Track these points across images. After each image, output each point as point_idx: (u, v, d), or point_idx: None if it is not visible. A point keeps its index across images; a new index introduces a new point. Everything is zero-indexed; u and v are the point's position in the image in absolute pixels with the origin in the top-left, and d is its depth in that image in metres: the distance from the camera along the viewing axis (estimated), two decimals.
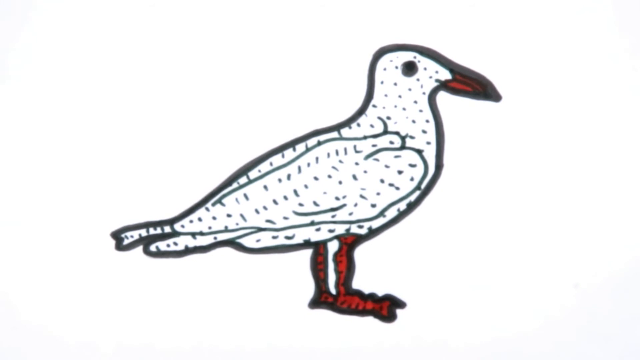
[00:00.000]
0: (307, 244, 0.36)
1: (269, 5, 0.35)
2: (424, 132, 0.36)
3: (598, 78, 0.37)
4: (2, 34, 0.35)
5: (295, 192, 0.35)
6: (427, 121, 0.36)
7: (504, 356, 0.36)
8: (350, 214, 0.35)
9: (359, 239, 0.36)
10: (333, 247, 0.36)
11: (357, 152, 0.35)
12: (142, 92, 0.35)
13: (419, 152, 0.35)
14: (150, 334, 0.35)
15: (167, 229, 0.35)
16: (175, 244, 0.35)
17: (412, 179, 0.35)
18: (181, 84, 0.35)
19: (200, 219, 0.35)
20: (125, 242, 0.35)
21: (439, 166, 0.36)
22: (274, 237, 0.35)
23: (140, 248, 0.35)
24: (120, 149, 0.35)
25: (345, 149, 0.35)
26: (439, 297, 0.36)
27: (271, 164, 0.35)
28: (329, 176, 0.35)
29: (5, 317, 0.35)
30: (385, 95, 0.36)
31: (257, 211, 0.35)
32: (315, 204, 0.35)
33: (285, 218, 0.35)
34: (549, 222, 0.37)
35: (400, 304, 0.36)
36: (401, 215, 0.36)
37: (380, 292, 0.36)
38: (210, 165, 0.35)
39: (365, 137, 0.36)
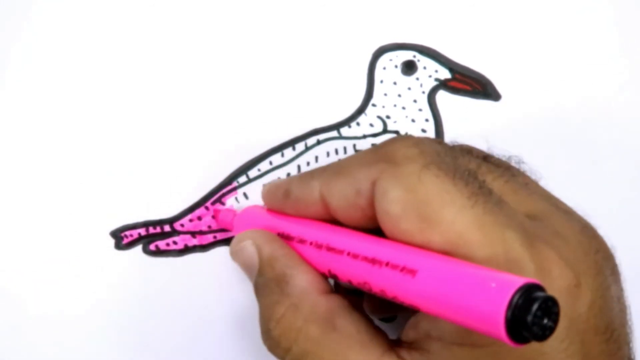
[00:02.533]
0: None
1: (269, 5, 0.35)
2: (424, 131, 0.36)
3: (598, 78, 0.37)
4: (2, 34, 0.35)
5: None
6: (427, 120, 0.36)
7: None
8: None
9: None
10: None
11: (356, 151, 0.35)
12: (141, 92, 0.35)
13: None
14: (149, 333, 0.35)
15: (167, 228, 0.35)
16: (175, 242, 0.35)
17: None
18: (180, 83, 0.35)
19: (199, 218, 0.35)
20: (125, 241, 0.35)
21: None
22: None
23: (139, 247, 0.35)
24: (119, 148, 0.35)
25: (345, 148, 0.35)
26: None
27: (270, 162, 0.35)
28: None
29: (4, 316, 0.35)
30: (385, 94, 0.36)
31: None
32: None
33: None
34: None
35: None
36: None
37: None
38: (210, 164, 0.35)
39: (364, 136, 0.36)
